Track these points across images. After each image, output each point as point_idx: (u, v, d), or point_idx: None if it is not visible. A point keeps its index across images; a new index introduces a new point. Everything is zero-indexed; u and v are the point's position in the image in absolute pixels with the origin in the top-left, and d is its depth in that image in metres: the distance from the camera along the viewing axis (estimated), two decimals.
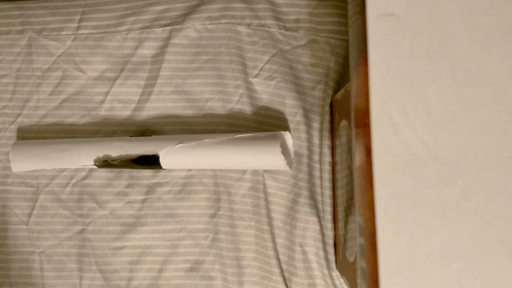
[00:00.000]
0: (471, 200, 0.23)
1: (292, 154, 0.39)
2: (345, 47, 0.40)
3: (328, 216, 0.40)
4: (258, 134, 0.38)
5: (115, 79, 0.41)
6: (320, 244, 0.40)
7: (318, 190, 0.40)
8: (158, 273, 0.41)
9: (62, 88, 0.41)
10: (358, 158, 0.24)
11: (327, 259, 0.40)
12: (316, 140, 0.40)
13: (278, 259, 0.41)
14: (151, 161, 0.38)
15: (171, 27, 0.41)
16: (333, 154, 0.40)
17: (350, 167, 0.33)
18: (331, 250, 0.40)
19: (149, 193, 0.41)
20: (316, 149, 0.40)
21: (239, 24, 0.40)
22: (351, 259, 0.34)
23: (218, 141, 0.38)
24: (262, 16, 0.40)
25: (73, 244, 0.41)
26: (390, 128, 0.24)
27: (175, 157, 0.38)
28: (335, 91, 0.40)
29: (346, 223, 0.35)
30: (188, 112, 0.41)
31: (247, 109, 0.41)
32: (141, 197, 0.41)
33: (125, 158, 0.38)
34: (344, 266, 0.37)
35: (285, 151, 0.39)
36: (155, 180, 0.41)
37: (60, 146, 0.39)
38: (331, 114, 0.41)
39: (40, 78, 0.41)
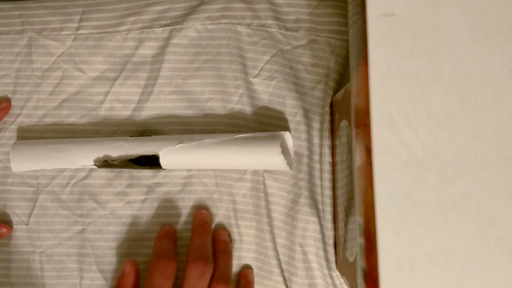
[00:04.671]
0: (471, 200, 0.23)
1: (292, 154, 0.39)
2: (345, 47, 0.40)
3: (328, 216, 0.40)
4: (258, 134, 0.38)
5: (115, 79, 0.41)
6: (320, 244, 0.40)
7: (318, 190, 0.40)
8: None
9: (62, 88, 0.41)
10: (358, 158, 0.24)
11: (327, 259, 0.40)
12: (316, 140, 0.40)
13: (278, 259, 0.41)
14: (151, 161, 0.38)
15: (171, 27, 0.41)
16: (333, 154, 0.40)
17: (350, 167, 0.33)
18: (331, 250, 0.40)
19: (149, 193, 0.41)
20: (316, 149, 0.40)
21: (239, 24, 0.40)
22: (351, 259, 0.34)
23: (218, 141, 0.38)
24: (262, 16, 0.40)
25: (73, 244, 0.41)
26: (390, 128, 0.24)
27: (175, 157, 0.38)
28: (335, 91, 0.40)
29: (346, 223, 0.35)
30: (188, 112, 0.41)
31: (247, 109, 0.41)
32: (141, 197, 0.41)
33: (125, 158, 0.38)
34: (344, 266, 0.37)
35: (285, 151, 0.39)
36: (155, 180, 0.41)
37: (60, 146, 0.39)
38: (331, 114, 0.41)
39: (40, 78, 0.41)
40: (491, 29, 0.24)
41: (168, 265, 0.36)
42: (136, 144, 0.39)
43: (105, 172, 0.41)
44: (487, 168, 0.23)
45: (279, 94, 0.40)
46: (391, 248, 0.23)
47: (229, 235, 0.41)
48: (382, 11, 0.24)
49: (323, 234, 0.40)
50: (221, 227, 0.41)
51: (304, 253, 0.40)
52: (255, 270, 0.41)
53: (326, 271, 0.40)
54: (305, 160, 0.40)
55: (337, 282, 0.40)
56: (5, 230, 0.40)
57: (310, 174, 0.40)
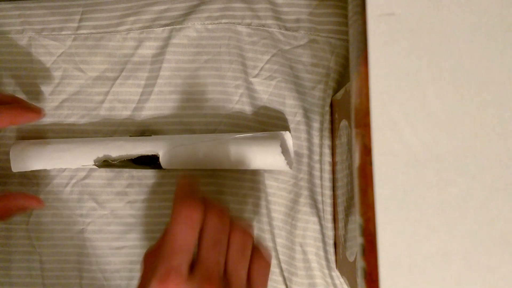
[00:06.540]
0: (471, 200, 0.23)
1: (292, 154, 0.39)
2: (346, 47, 0.40)
3: (328, 216, 0.40)
4: (258, 134, 0.38)
5: (115, 79, 0.41)
6: (320, 244, 0.40)
7: (318, 190, 0.40)
8: None
9: (62, 88, 0.41)
10: (358, 158, 0.24)
11: (327, 259, 0.40)
12: (316, 140, 0.40)
13: (278, 259, 0.40)
14: (151, 161, 0.38)
15: (171, 27, 0.41)
16: (333, 154, 0.40)
17: (350, 167, 0.33)
18: (331, 250, 0.40)
19: (149, 193, 0.41)
20: (316, 149, 0.40)
21: (239, 24, 0.40)
22: (351, 259, 0.34)
23: (218, 141, 0.38)
24: (262, 16, 0.40)
25: (73, 244, 0.41)
26: (390, 128, 0.24)
27: (175, 157, 0.38)
28: (335, 91, 0.40)
29: (346, 223, 0.35)
30: (188, 112, 0.41)
31: (247, 109, 0.41)
32: (141, 197, 0.41)
33: (125, 158, 0.38)
34: (344, 266, 0.37)
35: (285, 151, 0.39)
36: (155, 180, 0.41)
37: (60, 146, 0.39)
38: (331, 114, 0.41)
39: (40, 78, 0.41)
40: (491, 29, 0.24)
41: (193, 211, 0.30)
42: (136, 144, 0.39)
43: (105, 172, 0.41)
44: (487, 168, 0.24)
45: (279, 94, 0.40)
46: (391, 248, 0.23)
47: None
48: (382, 11, 0.24)
49: (323, 234, 0.40)
50: None
51: (304, 253, 0.40)
52: None
53: (326, 271, 0.40)
54: (305, 160, 0.40)
55: (337, 282, 0.40)
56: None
57: (310, 174, 0.40)
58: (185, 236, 0.30)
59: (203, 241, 0.30)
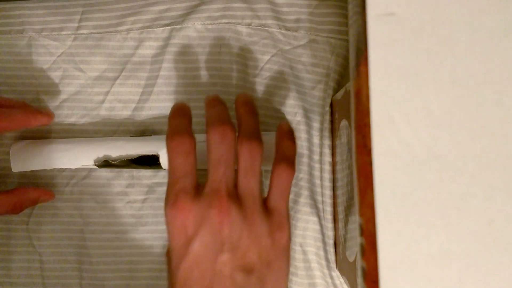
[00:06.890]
0: (471, 200, 0.23)
1: None
2: (346, 47, 0.40)
3: (328, 216, 0.40)
4: None
5: (115, 79, 0.41)
6: (320, 244, 0.40)
7: (318, 190, 0.40)
8: (158, 273, 0.41)
9: (62, 88, 0.41)
10: (358, 158, 0.24)
11: (327, 259, 0.40)
12: (316, 140, 0.40)
13: None
14: (151, 161, 0.38)
15: (171, 27, 0.41)
16: (333, 154, 0.40)
17: (350, 167, 0.33)
18: (331, 250, 0.40)
19: (149, 193, 0.41)
20: (316, 149, 0.40)
21: (239, 24, 0.40)
22: (351, 259, 0.34)
23: None
24: (262, 16, 0.40)
25: (73, 244, 0.41)
26: (390, 128, 0.24)
27: None
28: (336, 91, 0.41)
29: (346, 223, 0.35)
30: None
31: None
32: (141, 197, 0.41)
33: (125, 158, 0.38)
34: (344, 266, 0.37)
35: None
36: (155, 180, 0.41)
37: (60, 146, 0.39)
38: (331, 114, 0.41)
39: (40, 78, 0.41)
40: (491, 29, 0.24)
41: (183, 141, 0.32)
42: (136, 144, 0.39)
43: (105, 172, 0.41)
44: (487, 168, 0.24)
45: (279, 94, 0.40)
46: (391, 248, 0.23)
47: (250, 97, 0.38)
48: (382, 11, 0.24)
49: (323, 234, 0.40)
50: (241, 92, 0.40)
51: (304, 253, 0.40)
52: None
53: (326, 271, 0.40)
54: (305, 160, 0.40)
55: (337, 282, 0.40)
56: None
57: (310, 174, 0.40)
58: (181, 163, 0.32)
59: (208, 162, 0.32)
